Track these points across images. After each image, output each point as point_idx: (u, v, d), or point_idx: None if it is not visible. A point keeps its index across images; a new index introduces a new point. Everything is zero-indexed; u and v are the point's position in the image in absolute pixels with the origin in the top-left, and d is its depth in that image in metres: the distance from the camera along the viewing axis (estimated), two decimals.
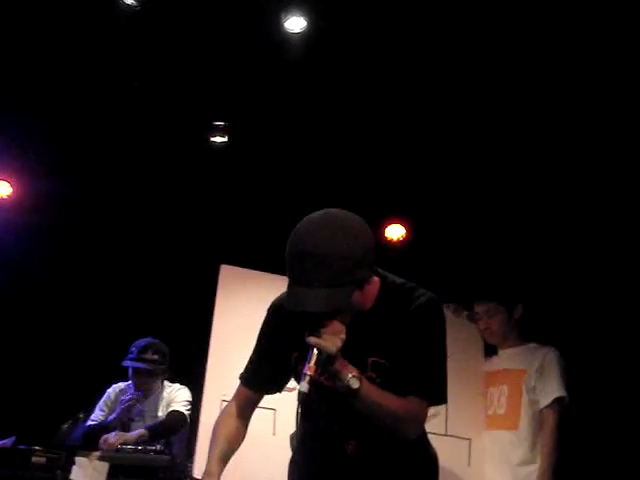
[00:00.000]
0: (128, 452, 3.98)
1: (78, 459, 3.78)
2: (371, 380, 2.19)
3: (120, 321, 5.92)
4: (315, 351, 2.05)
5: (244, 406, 2.40)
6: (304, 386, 2.02)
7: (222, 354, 3.77)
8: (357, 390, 2.09)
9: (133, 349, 4.73)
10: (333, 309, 2.07)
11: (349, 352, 2.14)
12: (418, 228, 6.09)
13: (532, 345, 4.04)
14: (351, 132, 5.25)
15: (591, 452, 4.62)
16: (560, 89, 4.68)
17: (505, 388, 3.92)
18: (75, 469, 3.75)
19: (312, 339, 2.06)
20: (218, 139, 5.48)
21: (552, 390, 3.86)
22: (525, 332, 4.10)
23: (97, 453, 3.86)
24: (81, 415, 4.61)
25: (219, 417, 2.40)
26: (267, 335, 2.38)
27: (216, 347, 3.72)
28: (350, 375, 2.09)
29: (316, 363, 2.04)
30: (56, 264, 5.92)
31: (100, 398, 4.89)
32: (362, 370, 2.18)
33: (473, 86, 4.76)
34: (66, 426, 4.33)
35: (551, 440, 3.80)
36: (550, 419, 3.83)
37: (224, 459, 2.31)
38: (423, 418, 2.22)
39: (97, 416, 4.76)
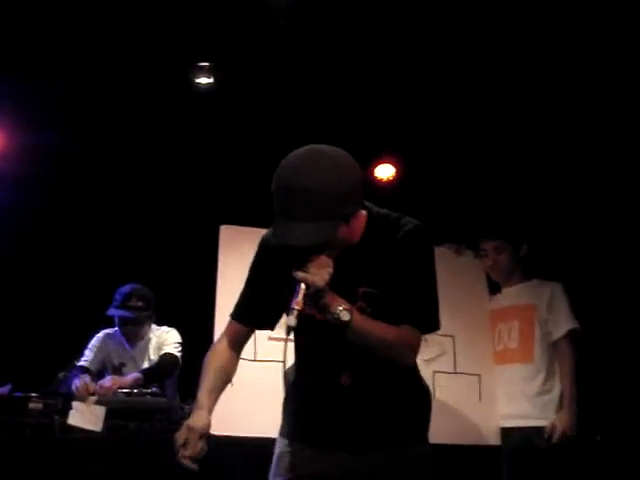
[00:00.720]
0: (125, 395, 4.01)
1: (75, 404, 3.82)
2: (362, 310, 2.21)
3: (114, 270, 5.93)
4: (303, 286, 2.06)
5: (234, 340, 2.41)
6: (292, 320, 2.04)
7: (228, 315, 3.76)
8: (348, 322, 2.11)
9: (117, 297, 4.73)
10: (319, 243, 2.08)
11: (339, 284, 2.15)
12: (408, 167, 6.07)
13: (535, 281, 4.13)
14: (339, 70, 5.19)
15: (599, 383, 4.73)
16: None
17: (516, 323, 4.01)
18: (72, 414, 3.79)
19: (299, 274, 2.08)
20: (203, 80, 5.41)
21: (565, 322, 3.97)
22: (528, 270, 4.18)
23: (94, 397, 3.89)
24: (76, 363, 4.64)
25: (209, 351, 2.41)
26: (257, 269, 2.39)
27: (222, 310, 3.68)
28: (340, 308, 2.11)
29: (304, 297, 2.06)
30: (47, 216, 5.90)
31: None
32: (353, 301, 2.20)
33: (468, 24, 4.72)
34: (62, 374, 4.35)
35: (571, 370, 3.91)
36: (567, 350, 3.94)
37: (215, 392, 2.33)
38: (416, 345, 2.23)
39: (88, 357, 4.78)
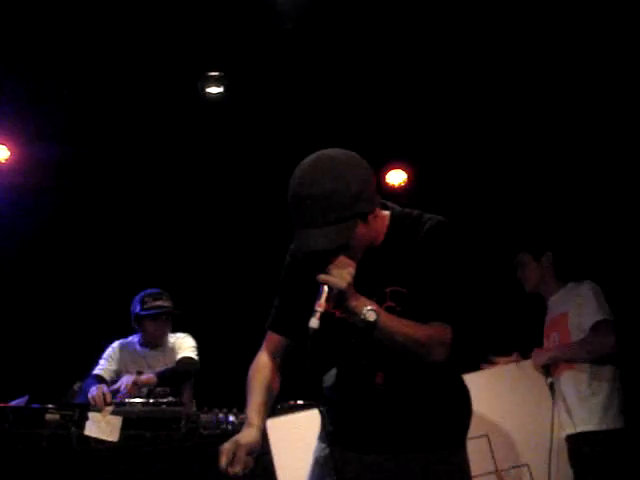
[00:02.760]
0: (141, 405, 4.01)
1: (91, 414, 3.83)
2: (391, 309, 2.21)
3: (127, 282, 5.95)
4: (325, 288, 2.08)
5: (275, 353, 2.41)
6: (314, 322, 2.05)
7: None
8: (375, 322, 2.10)
9: (146, 299, 4.74)
10: (335, 245, 2.10)
11: (367, 285, 2.17)
12: (420, 173, 6.07)
13: (571, 285, 4.04)
14: (349, 76, 5.20)
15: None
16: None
17: (555, 335, 3.97)
18: (89, 424, 3.81)
19: (321, 276, 2.09)
20: (213, 89, 5.43)
21: (591, 316, 3.84)
22: (562, 275, 4.07)
23: (110, 408, 3.90)
24: (92, 372, 4.65)
25: (252, 367, 2.41)
26: (287, 279, 2.40)
27: None
28: (366, 308, 2.11)
29: (327, 299, 2.07)
30: (61, 226, 5.92)
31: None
32: (381, 301, 2.21)
33: (480, 28, 4.73)
34: (78, 385, 4.36)
35: (589, 346, 3.78)
36: (593, 336, 3.80)
37: (264, 407, 2.33)
38: (447, 342, 2.20)
39: (103, 366, 4.79)
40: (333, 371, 2.42)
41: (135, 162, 5.85)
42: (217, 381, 5.07)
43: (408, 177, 6.09)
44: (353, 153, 2.20)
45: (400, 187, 6.09)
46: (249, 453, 2.21)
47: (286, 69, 5.17)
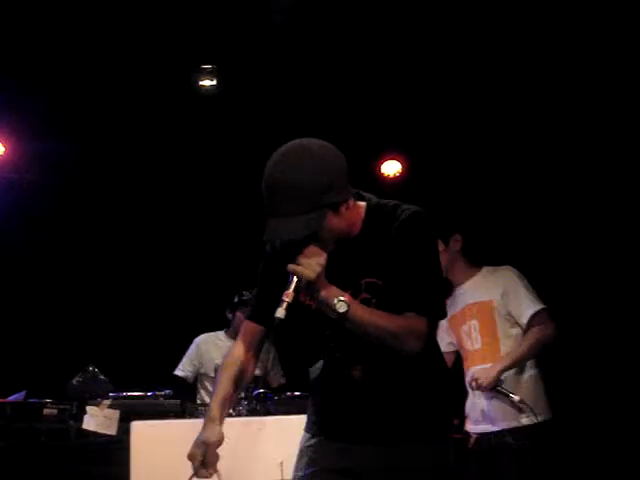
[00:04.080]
0: (138, 398, 4.02)
1: (89, 408, 3.83)
2: (366, 301, 2.20)
3: (124, 276, 5.96)
4: (295, 278, 2.08)
5: (251, 341, 2.41)
6: (280, 312, 2.05)
7: None
8: (345, 313, 2.10)
9: (244, 291, 4.81)
10: (303, 235, 2.10)
11: (343, 277, 2.16)
12: (414, 163, 6.06)
13: (485, 270, 3.84)
14: (344, 68, 5.19)
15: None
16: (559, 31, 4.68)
17: (475, 323, 3.75)
18: (87, 418, 3.81)
19: (290, 266, 2.10)
20: (207, 82, 5.43)
21: (526, 306, 3.70)
22: (475, 259, 3.90)
23: (107, 401, 3.91)
24: (90, 368, 4.65)
25: (225, 358, 2.42)
26: (265, 270, 2.40)
27: None
28: (337, 299, 2.11)
29: (295, 290, 2.08)
30: (51, 222, 5.91)
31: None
32: (357, 293, 2.20)
33: (473, 19, 4.73)
34: (76, 379, 4.36)
35: (532, 338, 3.64)
36: (536, 327, 3.67)
37: (228, 401, 2.33)
38: (421, 332, 2.19)
39: (182, 366, 4.91)
40: (319, 363, 2.42)
41: (129, 155, 5.84)
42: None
43: (403, 167, 6.09)
44: (327, 143, 2.19)
45: (395, 177, 6.08)
46: (212, 450, 2.23)
47: (279, 61, 5.17)
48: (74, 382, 4.26)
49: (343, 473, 2.32)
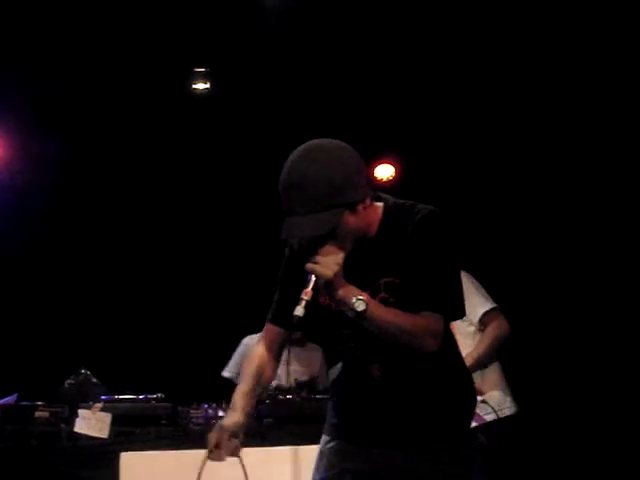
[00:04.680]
0: (130, 401, 4.01)
1: (81, 411, 3.83)
2: (384, 300, 2.21)
3: (115, 276, 5.95)
4: (313, 277, 2.10)
5: (272, 343, 2.41)
6: (299, 310, 2.07)
7: None
8: (364, 312, 2.11)
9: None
10: (319, 233, 2.12)
11: (362, 277, 2.18)
12: (408, 167, 6.07)
13: None
14: (337, 71, 5.20)
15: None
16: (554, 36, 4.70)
17: None
18: (79, 421, 3.80)
19: (308, 265, 2.11)
20: (200, 85, 5.43)
21: (478, 306, 3.88)
22: None
23: (99, 404, 3.90)
24: (82, 371, 4.64)
25: (249, 357, 2.43)
26: (285, 272, 2.41)
27: None
28: (355, 298, 2.11)
29: (314, 288, 2.09)
30: (46, 223, 5.91)
31: None
32: (376, 292, 2.22)
33: (467, 22, 4.75)
34: (68, 382, 4.35)
35: (487, 340, 3.83)
36: (489, 328, 3.87)
37: (250, 394, 2.33)
38: (438, 331, 2.20)
39: (229, 366, 4.78)
40: (339, 364, 2.42)
41: (123, 158, 5.83)
42: (207, 375, 5.07)
43: (396, 171, 6.09)
44: (344, 143, 2.22)
45: (388, 181, 6.09)
46: (233, 436, 2.23)
47: (273, 64, 5.17)
48: (66, 385, 4.25)
49: (362, 476, 2.32)
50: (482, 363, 3.85)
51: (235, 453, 2.24)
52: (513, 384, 4.03)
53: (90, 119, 5.58)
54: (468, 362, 3.67)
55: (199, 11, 4.73)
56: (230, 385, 4.72)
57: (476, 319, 3.87)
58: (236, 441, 2.24)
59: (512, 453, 3.89)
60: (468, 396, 2.42)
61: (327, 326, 2.32)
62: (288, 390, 4.13)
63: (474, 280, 3.95)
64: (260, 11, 4.65)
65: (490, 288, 5.32)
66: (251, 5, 4.61)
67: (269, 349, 2.41)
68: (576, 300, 5.37)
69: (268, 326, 2.44)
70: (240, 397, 2.31)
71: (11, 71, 5.04)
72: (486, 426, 3.79)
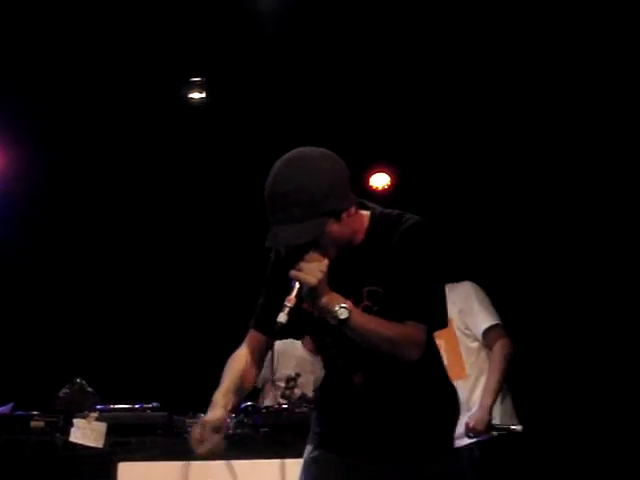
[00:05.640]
0: (125, 411, 4.00)
1: (76, 421, 3.81)
2: (367, 309, 2.22)
3: (114, 286, 5.94)
4: (297, 284, 2.11)
5: (255, 349, 2.41)
6: (282, 317, 2.09)
7: None
8: (346, 320, 2.12)
9: None
10: (303, 242, 2.13)
11: (346, 285, 2.19)
12: (403, 176, 6.08)
13: (447, 287, 3.99)
14: (332, 80, 5.22)
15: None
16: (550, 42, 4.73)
17: (442, 342, 3.87)
18: (74, 431, 3.79)
19: (292, 272, 2.13)
20: (196, 95, 5.44)
21: (481, 320, 3.88)
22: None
23: (94, 414, 3.89)
24: (77, 380, 4.62)
25: (229, 358, 2.41)
26: (269, 278, 2.42)
27: None
28: (338, 306, 2.13)
29: (296, 295, 2.11)
30: (40, 233, 5.90)
31: None
32: (359, 300, 2.23)
33: (462, 32, 4.77)
34: (63, 392, 4.34)
35: (497, 364, 3.83)
36: (494, 345, 3.86)
37: (231, 393, 2.32)
38: (421, 341, 2.21)
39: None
40: (322, 373, 2.44)
41: (118, 168, 5.84)
42: (202, 384, 5.06)
43: (391, 180, 6.10)
44: (329, 152, 2.23)
45: (384, 190, 6.09)
46: (215, 431, 2.23)
47: (269, 74, 5.19)
48: (61, 394, 4.23)
49: None
50: (498, 394, 3.84)
51: (218, 447, 2.24)
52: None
53: (86, 128, 5.58)
54: (488, 399, 3.78)
55: (195, 21, 4.74)
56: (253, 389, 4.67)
57: (479, 335, 3.87)
58: (218, 436, 2.24)
59: (510, 469, 3.88)
60: (450, 406, 2.41)
61: (310, 333, 2.37)
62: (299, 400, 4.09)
63: (481, 293, 3.93)
64: (256, 21, 4.67)
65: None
66: (247, 15, 4.63)
67: (251, 355, 2.40)
68: (573, 311, 5.38)
69: (251, 334, 2.43)
70: (221, 395, 2.30)
71: (8, 80, 5.04)
72: (485, 442, 3.81)
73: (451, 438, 2.39)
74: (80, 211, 5.95)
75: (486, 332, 3.86)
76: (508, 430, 3.84)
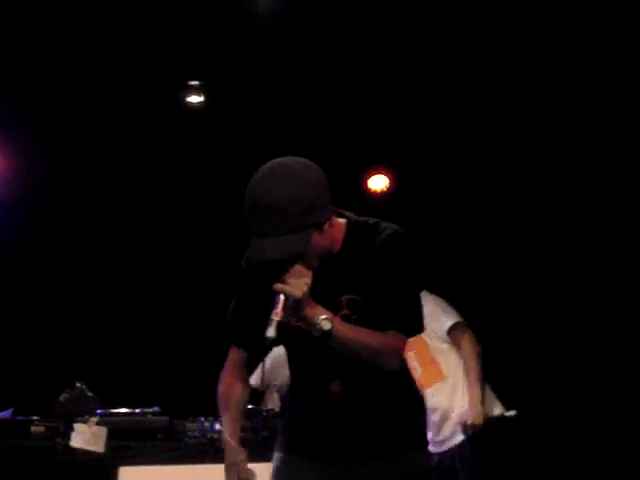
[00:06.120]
0: (126, 415, 4.01)
1: (77, 425, 3.82)
2: (346, 318, 2.22)
3: (110, 290, 5.94)
4: (282, 297, 2.10)
5: (237, 367, 2.41)
6: (271, 331, 2.07)
7: None
8: (330, 331, 2.13)
9: None
10: (291, 255, 2.12)
11: (324, 294, 2.18)
12: (402, 178, 6.08)
13: None
14: (330, 83, 5.22)
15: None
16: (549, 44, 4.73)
17: (412, 354, 3.92)
18: (74, 435, 3.79)
19: (277, 285, 2.11)
20: (194, 99, 5.44)
21: (444, 322, 4.03)
22: None
23: (95, 419, 3.89)
24: (77, 385, 4.62)
25: (220, 384, 2.41)
26: (243, 291, 2.41)
27: None
28: (321, 317, 2.12)
29: (283, 309, 2.09)
30: (40, 237, 5.90)
31: None
32: (338, 309, 2.23)
33: (461, 34, 4.77)
34: (64, 396, 4.34)
35: (471, 361, 3.97)
36: (459, 341, 4.02)
37: (238, 422, 2.36)
38: (401, 349, 2.25)
39: (254, 374, 4.64)
40: (290, 379, 2.44)
41: (116, 172, 5.83)
42: (203, 389, 5.06)
43: (390, 182, 6.09)
44: (308, 161, 2.20)
45: (382, 192, 6.09)
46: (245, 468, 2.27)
47: (267, 77, 5.19)
48: (61, 399, 4.24)
49: None
50: (481, 381, 3.97)
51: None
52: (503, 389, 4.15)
53: (85, 131, 5.58)
54: (474, 396, 3.93)
55: (193, 24, 4.74)
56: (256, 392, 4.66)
57: (445, 335, 4.03)
58: (249, 469, 2.28)
59: (501, 459, 3.97)
60: (420, 410, 2.47)
61: (288, 343, 2.34)
62: None
63: (440, 301, 4.10)
64: (254, 24, 4.67)
65: (482, 294, 5.44)
66: (245, 18, 4.63)
67: (236, 375, 2.41)
68: (562, 304, 5.44)
69: (231, 351, 2.42)
70: (232, 424, 2.34)
71: (7, 83, 5.04)
72: (475, 436, 3.91)
73: (422, 437, 2.43)
74: (80, 215, 5.94)
75: (450, 330, 4.02)
76: (504, 416, 3.99)
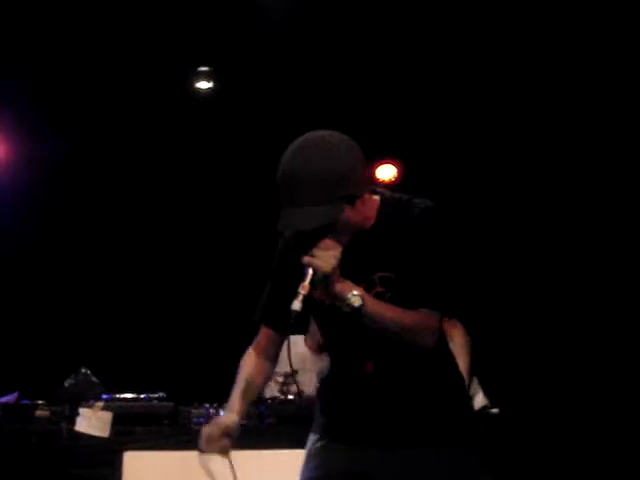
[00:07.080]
0: (131, 400, 4.01)
1: (82, 410, 3.82)
2: (380, 295, 2.18)
3: (115, 275, 5.95)
4: (310, 271, 2.06)
5: (266, 346, 2.38)
6: (296, 304, 2.04)
7: None
8: (360, 308, 2.09)
9: None
10: (319, 226, 2.08)
11: (357, 271, 2.15)
12: (410, 168, 6.07)
13: None
14: (340, 72, 5.20)
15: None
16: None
17: None
18: (79, 420, 3.80)
19: (305, 258, 2.07)
20: (203, 85, 5.43)
21: None
22: None
23: (100, 403, 3.89)
24: (82, 370, 4.63)
25: (244, 356, 2.39)
26: (277, 268, 2.36)
27: None
28: (351, 293, 2.08)
29: (311, 282, 2.06)
30: (45, 223, 5.91)
31: None
32: (371, 287, 2.19)
33: (469, 25, 4.76)
34: (69, 381, 4.35)
35: (461, 345, 3.95)
36: (449, 332, 4.04)
37: (247, 397, 2.32)
38: (436, 328, 2.18)
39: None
40: (327, 361, 2.40)
41: (125, 159, 5.84)
42: (208, 375, 5.07)
43: (398, 172, 6.09)
44: (345, 136, 2.19)
45: (390, 182, 6.08)
46: (225, 434, 2.24)
47: (276, 64, 5.17)
48: (66, 384, 4.24)
49: (352, 476, 2.28)
50: (470, 372, 3.99)
51: (224, 452, 2.24)
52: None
53: (93, 119, 5.58)
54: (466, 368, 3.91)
55: (202, 10, 4.73)
56: None
57: None
58: (227, 440, 2.24)
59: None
60: (461, 392, 2.38)
61: (320, 321, 2.31)
62: None
63: None
64: (263, 10, 4.65)
65: (486, 284, 5.43)
66: (254, 4, 4.61)
67: (263, 353, 2.38)
68: (554, 301, 5.46)
69: (262, 330, 2.39)
70: (237, 399, 2.30)
71: (12, 71, 5.04)
72: None
73: (467, 426, 2.33)
74: (86, 200, 5.95)
75: None
76: (486, 409, 4.00)
